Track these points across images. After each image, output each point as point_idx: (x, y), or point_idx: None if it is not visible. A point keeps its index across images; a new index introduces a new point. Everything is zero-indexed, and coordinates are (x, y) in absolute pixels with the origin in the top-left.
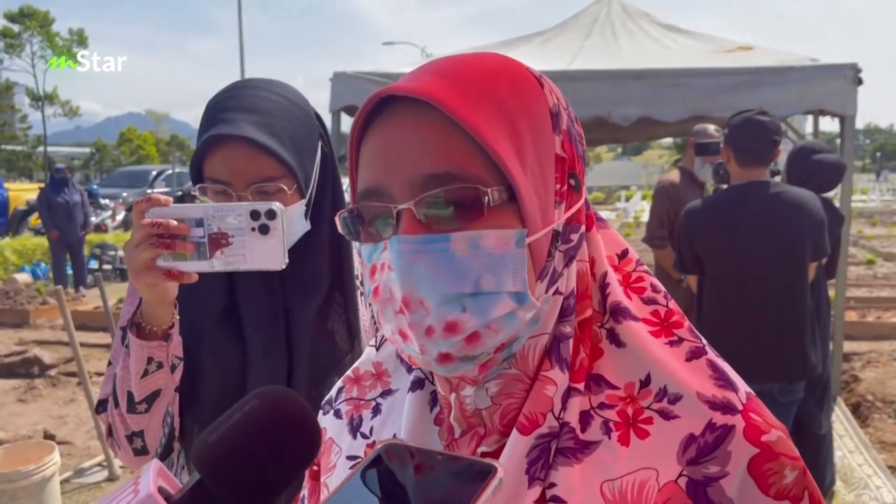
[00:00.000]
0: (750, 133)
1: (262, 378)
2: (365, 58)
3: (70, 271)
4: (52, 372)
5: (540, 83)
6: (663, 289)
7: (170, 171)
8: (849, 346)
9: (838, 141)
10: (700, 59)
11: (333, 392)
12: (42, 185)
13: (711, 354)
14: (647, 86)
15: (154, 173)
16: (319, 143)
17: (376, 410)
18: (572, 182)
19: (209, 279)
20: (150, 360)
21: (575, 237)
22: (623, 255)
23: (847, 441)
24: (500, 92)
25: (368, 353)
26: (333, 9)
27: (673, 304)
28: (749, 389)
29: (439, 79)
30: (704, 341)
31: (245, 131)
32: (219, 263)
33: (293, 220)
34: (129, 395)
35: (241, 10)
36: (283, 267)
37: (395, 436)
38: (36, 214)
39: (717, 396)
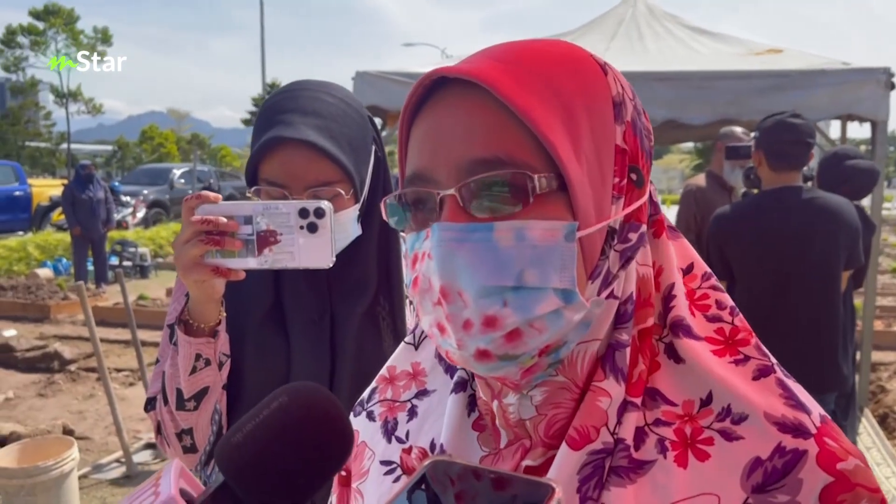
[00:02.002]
0: (783, 136)
1: (305, 379)
2: (385, 58)
3: (91, 267)
4: (72, 367)
5: (604, 70)
6: (730, 303)
7: (190, 169)
8: (876, 357)
9: (863, 147)
10: (728, 61)
11: (366, 393)
12: (65, 181)
13: (781, 373)
14: (673, 88)
15: (175, 171)
16: (373, 147)
17: (412, 413)
18: (634, 177)
19: (256, 277)
20: (198, 356)
21: (634, 237)
22: (689, 269)
23: (874, 453)
24: (558, 77)
25: (405, 350)
26: (354, 9)
27: (739, 321)
28: (823, 412)
29: (494, 62)
30: (774, 360)
31: (305, 134)
32: (266, 261)
33: (346, 224)
34: (178, 393)
35: (263, 10)
36: (330, 265)
37: (431, 442)
38: (59, 210)
39: (787, 418)
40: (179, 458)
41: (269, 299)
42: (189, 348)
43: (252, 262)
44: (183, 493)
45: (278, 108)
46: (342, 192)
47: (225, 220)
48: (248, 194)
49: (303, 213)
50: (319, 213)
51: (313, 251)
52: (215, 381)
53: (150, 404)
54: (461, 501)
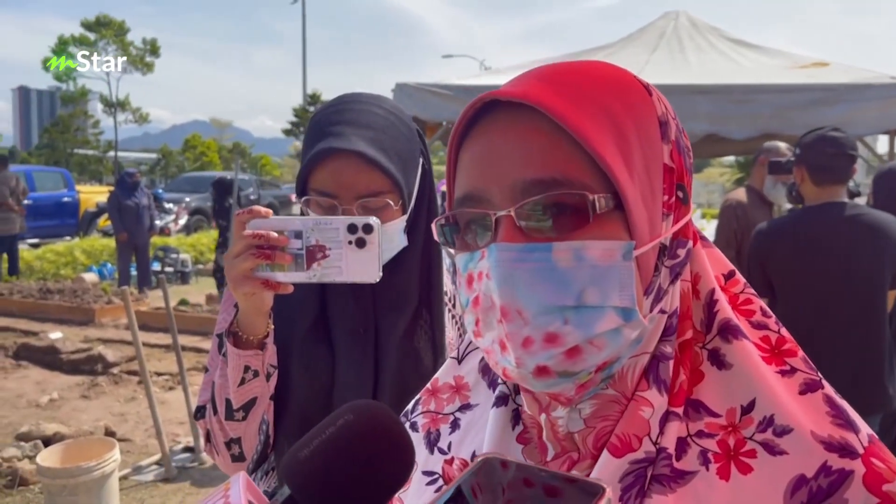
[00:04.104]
0: (825, 150)
1: (349, 391)
2: (424, 70)
3: (134, 272)
4: (115, 370)
5: (648, 91)
6: (773, 314)
7: (231, 178)
8: None
9: None
10: (772, 74)
11: (411, 404)
12: (111, 188)
13: (829, 389)
14: (715, 101)
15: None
16: (421, 160)
17: (455, 425)
18: (680, 194)
19: (302, 290)
20: (246, 368)
21: (682, 252)
22: (730, 275)
23: None
24: (607, 97)
25: (450, 364)
26: (394, 21)
27: (785, 332)
28: (871, 432)
29: (543, 83)
30: (820, 375)
31: (356, 145)
32: (315, 275)
33: (394, 234)
34: (228, 403)
35: (305, 22)
36: (377, 280)
37: (472, 454)
38: (105, 216)
39: (833, 437)
40: (227, 465)
41: (314, 312)
42: (238, 360)
43: (301, 276)
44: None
45: (329, 121)
46: (391, 202)
47: (276, 234)
48: (297, 204)
49: (352, 228)
50: (368, 228)
51: (361, 266)
52: (263, 392)
53: (199, 412)
54: (520, 487)
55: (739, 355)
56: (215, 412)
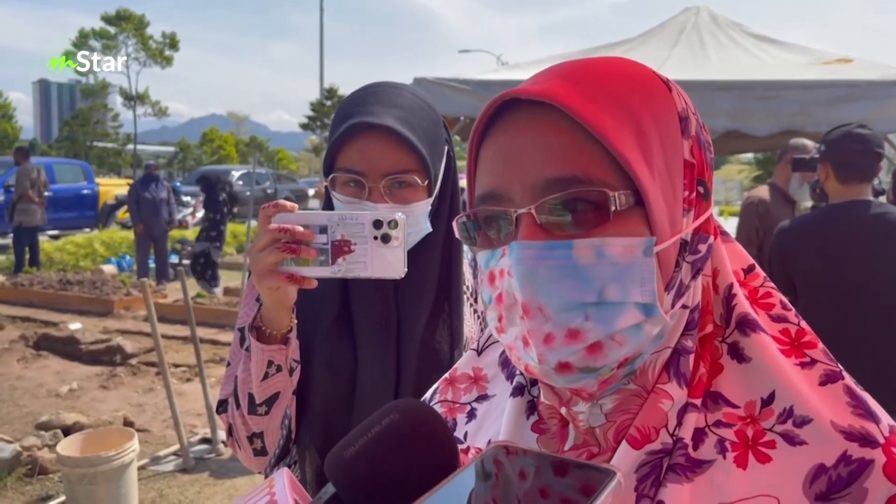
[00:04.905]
0: (850, 147)
1: (371, 385)
2: (441, 65)
3: (152, 265)
4: (133, 361)
5: (668, 87)
6: (793, 307)
7: (248, 172)
8: None
9: None
10: (794, 70)
11: (428, 393)
12: (130, 181)
13: (850, 380)
14: (736, 98)
15: (234, 173)
16: (446, 147)
17: (471, 415)
18: (701, 189)
19: (325, 284)
20: (269, 363)
21: (703, 248)
22: (749, 269)
23: None
24: (626, 94)
25: (469, 356)
26: (411, 16)
27: (805, 324)
28: (893, 422)
29: (562, 81)
30: (841, 367)
31: (384, 120)
32: (339, 270)
33: (419, 218)
34: (251, 397)
35: (323, 17)
36: (402, 276)
37: (488, 442)
38: (124, 208)
39: (854, 427)
40: (250, 459)
41: (337, 305)
42: (261, 355)
43: (325, 271)
44: (294, 502)
45: (357, 102)
46: (418, 180)
47: (301, 229)
48: (314, 198)
49: (377, 223)
50: (393, 224)
51: (386, 261)
52: (286, 387)
53: (221, 406)
54: (530, 474)
55: (758, 349)
56: (238, 406)
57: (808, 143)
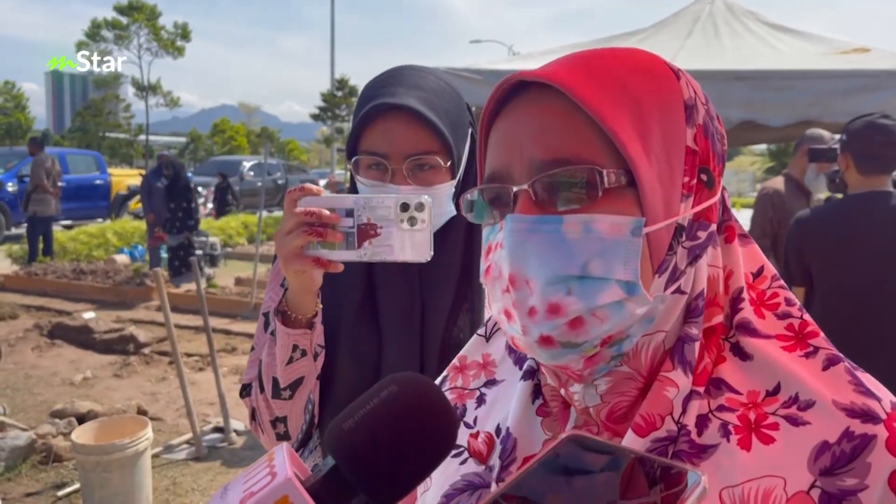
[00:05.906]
0: (874, 137)
1: (396, 368)
2: (452, 56)
3: (164, 255)
4: (146, 350)
5: (676, 75)
6: (798, 301)
7: (259, 162)
8: None
9: None
10: (811, 60)
11: (438, 380)
12: (142, 171)
13: (850, 363)
14: (752, 88)
15: (245, 164)
16: (469, 130)
17: (480, 400)
18: (704, 177)
19: (350, 268)
20: (294, 347)
21: (703, 235)
22: (759, 272)
23: None
24: (630, 79)
25: (477, 341)
26: (422, 7)
27: (808, 317)
28: (894, 399)
29: (569, 66)
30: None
31: (407, 101)
32: (366, 253)
33: (443, 199)
34: (275, 382)
35: (334, 7)
36: (429, 259)
37: (497, 426)
38: (136, 199)
39: (855, 404)
40: (272, 444)
41: (361, 291)
42: (286, 339)
43: (352, 255)
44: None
45: (381, 84)
46: (441, 162)
47: (327, 212)
48: (347, 167)
49: (403, 206)
50: (420, 207)
51: (412, 245)
52: (310, 372)
53: (245, 390)
54: (605, 468)
55: (760, 350)
56: (262, 390)
57: (825, 133)
